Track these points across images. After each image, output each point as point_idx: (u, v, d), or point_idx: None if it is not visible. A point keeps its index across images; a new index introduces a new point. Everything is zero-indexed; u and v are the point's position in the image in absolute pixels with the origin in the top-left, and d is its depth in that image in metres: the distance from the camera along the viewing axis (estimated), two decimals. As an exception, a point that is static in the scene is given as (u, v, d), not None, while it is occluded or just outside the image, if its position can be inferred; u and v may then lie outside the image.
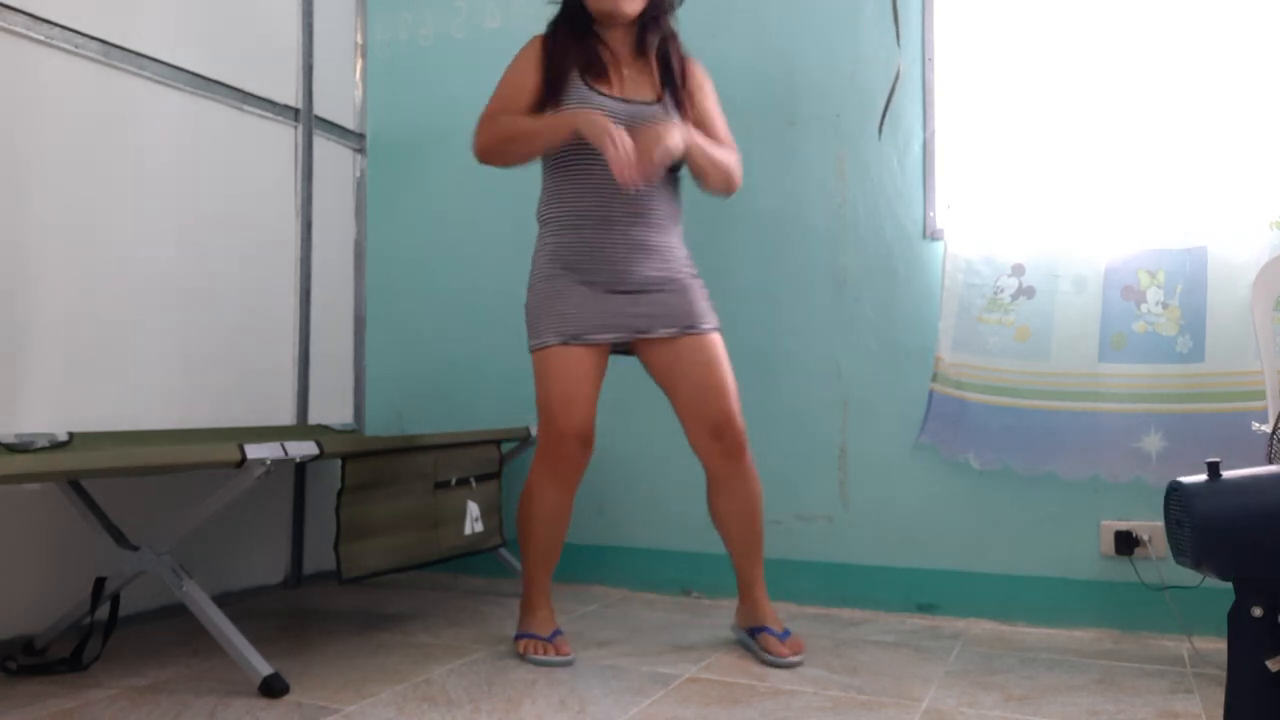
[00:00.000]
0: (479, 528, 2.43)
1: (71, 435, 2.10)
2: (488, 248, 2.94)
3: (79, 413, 2.20)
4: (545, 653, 2.02)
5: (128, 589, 2.00)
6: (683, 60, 2.14)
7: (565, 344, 2.02)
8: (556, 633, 2.08)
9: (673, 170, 2.10)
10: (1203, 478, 1.32)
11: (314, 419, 2.88)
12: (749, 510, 2.11)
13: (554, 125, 2.00)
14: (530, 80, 2.05)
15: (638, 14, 2.06)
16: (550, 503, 2.08)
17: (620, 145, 1.87)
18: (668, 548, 2.67)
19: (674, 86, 2.13)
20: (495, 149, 2.05)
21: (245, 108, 2.66)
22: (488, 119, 2.05)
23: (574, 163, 2.04)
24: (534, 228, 2.84)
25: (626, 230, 2.04)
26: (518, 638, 2.10)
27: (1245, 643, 1.27)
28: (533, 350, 2.08)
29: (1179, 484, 1.33)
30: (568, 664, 2.00)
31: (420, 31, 3.07)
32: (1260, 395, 2.03)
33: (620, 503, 2.74)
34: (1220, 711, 1.51)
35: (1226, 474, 1.31)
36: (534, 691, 1.82)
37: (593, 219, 2.04)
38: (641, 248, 2.05)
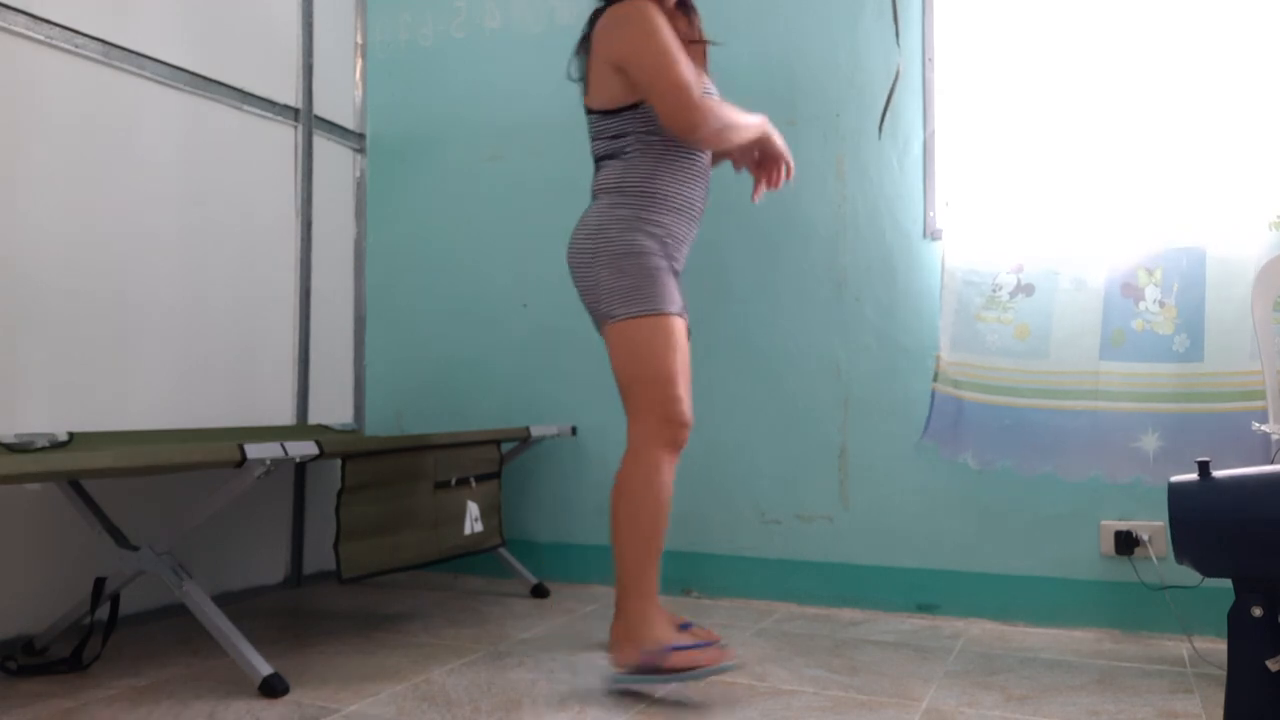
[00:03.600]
0: (479, 528, 2.43)
1: (71, 435, 2.10)
2: (488, 248, 2.94)
3: (79, 413, 2.21)
4: (719, 659, 1.76)
5: (128, 589, 2.00)
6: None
7: (680, 315, 1.88)
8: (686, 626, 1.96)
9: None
10: (1193, 477, 1.32)
11: (314, 419, 2.88)
12: None
13: (749, 127, 1.92)
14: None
15: None
16: (670, 489, 1.88)
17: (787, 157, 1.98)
18: (668, 548, 2.64)
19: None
20: (715, 136, 1.86)
21: (245, 107, 2.66)
22: (699, 101, 1.79)
23: (683, 149, 1.92)
24: (533, 226, 2.86)
25: (693, 225, 1.98)
26: (671, 650, 1.76)
27: (1245, 643, 1.28)
28: (642, 315, 1.82)
29: (1171, 483, 1.34)
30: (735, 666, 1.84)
31: (420, 31, 3.07)
32: (1258, 395, 2.03)
33: (620, 503, 2.73)
34: (1220, 711, 1.51)
35: (1217, 473, 1.32)
36: (534, 691, 1.82)
37: (685, 208, 1.93)
38: (690, 242, 2.02)
